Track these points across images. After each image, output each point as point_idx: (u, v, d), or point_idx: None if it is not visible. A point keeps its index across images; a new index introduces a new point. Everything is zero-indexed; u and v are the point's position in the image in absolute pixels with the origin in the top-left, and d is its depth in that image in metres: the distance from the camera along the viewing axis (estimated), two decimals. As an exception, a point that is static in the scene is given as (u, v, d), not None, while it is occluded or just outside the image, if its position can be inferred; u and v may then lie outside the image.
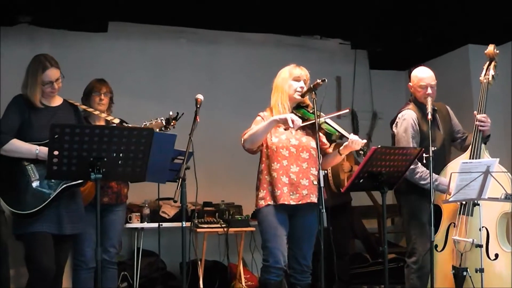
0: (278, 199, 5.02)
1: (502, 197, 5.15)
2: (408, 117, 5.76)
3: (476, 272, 5.12)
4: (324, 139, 5.34)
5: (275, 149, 5.09)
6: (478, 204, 5.18)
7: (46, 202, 4.68)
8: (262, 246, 5.16)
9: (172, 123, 5.16)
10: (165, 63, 8.98)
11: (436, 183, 5.46)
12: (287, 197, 5.02)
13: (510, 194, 5.17)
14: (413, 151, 5.15)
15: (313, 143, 5.18)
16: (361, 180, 5.03)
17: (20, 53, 7.35)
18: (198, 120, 4.81)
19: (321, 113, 5.15)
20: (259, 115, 5.24)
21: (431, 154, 5.21)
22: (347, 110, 5.02)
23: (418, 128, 5.72)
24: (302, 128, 5.12)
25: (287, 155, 5.09)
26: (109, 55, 8.56)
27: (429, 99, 5.54)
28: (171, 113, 5.16)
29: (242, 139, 5.09)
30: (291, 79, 5.17)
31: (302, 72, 5.20)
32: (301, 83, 5.18)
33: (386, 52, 9.87)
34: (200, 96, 4.87)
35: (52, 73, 4.84)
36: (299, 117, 5.11)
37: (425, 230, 5.55)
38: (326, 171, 4.90)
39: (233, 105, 8.80)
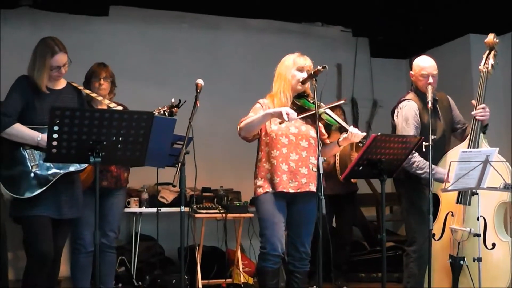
0: (277, 186, 5.01)
1: (501, 186, 5.15)
2: (408, 107, 5.75)
3: (474, 261, 5.13)
4: (322, 129, 5.32)
5: (274, 137, 5.08)
6: (477, 194, 5.17)
7: (45, 187, 4.69)
8: (260, 233, 5.15)
9: (174, 110, 5.17)
10: (166, 48, 8.98)
11: (433, 172, 5.43)
12: (286, 185, 5.01)
13: (509, 183, 5.17)
14: (412, 139, 5.14)
15: (312, 132, 5.17)
16: (360, 168, 5.03)
17: (21, 36, 7.35)
18: (198, 105, 4.79)
19: (321, 103, 5.15)
20: (258, 102, 5.22)
21: (430, 143, 5.20)
22: (343, 101, 5.00)
23: (419, 118, 5.71)
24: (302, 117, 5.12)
25: (287, 143, 5.07)
26: (110, 39, 8.56)
27: (430, 88, 5.53)
28: (173, 100, 5.16)
29: (238, 127, 5.08)
30: (294, 68, 5.14)
31: (306, 62, 5.16)
32: (304, 74, 5.14)
33: (387, 40, 9.87)
34: (200, 81, 4.86)
35: (61, 58, 4.83)
36: (299, 106, 5.13)
37: (424, 219, 5.48)
38: (325, 159, 4.86)
39: (234, 90, 8.80)
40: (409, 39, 9.50)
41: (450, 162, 5.07)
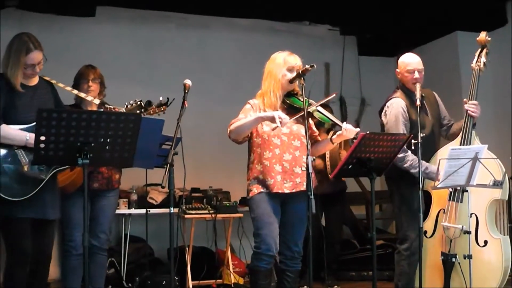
0: (271, 187, 4.99)
1: (491, 183, 5.16)
2: (396, 105, 5.73)
3: (465, 258, 5.13)
4: (313, 127, 5.33)
5: (266, 138, 5.06)
6: (466, 191, 5.18)
7: (38, 188, 4.64)
8: (254, 234, 5.12)
9: (162, 108, 5.14)
10: (154, 48, 8.98)
11: (426, 171, 5.46)
12: (281, 186, 5.00)
13: (498, 180, 5.18)
14: (401, 137, 5.14)
15: (303, 131, 5.13)
16: (349, 166, 5.02)
17: (7, 36, 7.23)
18: (186, 105, 4.77)
19: (311, 100, 5.14)
20: (248, 103, 5.19)
21: (419, 141, 5.20)
22: (334, 95, 4.99)
23: (407, 115, 5.70)
24: (294, 114, 5.06)
25: (279, 144, 5.05)
26: (97, 39, 8.53)
27: (418, 85, 5.53)
28: (161, 98, 5.13)
29: (228, 130, 5.04)
30: (285, 68, 5.11)
31: (296, 61, 5.14)
32: (295, 74, 5.13)
33: (375, 38, 9.90)
34: (188, 81, 4.84)
35: (36, 56, 4.74)
36: (289, 104, 5.12)
37: (415, 217, 5.48)
38: (314, 158, 4.86)
39: (222, 90, 8.80)
40: (397, 37, 9.52)
41: (440, 160, 5.08)
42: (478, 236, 5.36)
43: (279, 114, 4.78)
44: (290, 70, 5.11)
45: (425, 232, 5.55)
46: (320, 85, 9.73)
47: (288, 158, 5.04)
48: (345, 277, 8.11)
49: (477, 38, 5.82)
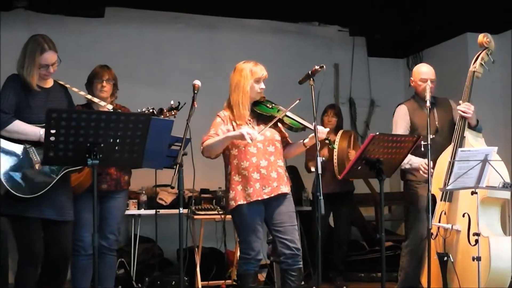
0: (251, 196, 5.08)
1: (500, 185, 5.16)
2: (398, 110, 6.09)
3: (473, 260, 5.11)
4: (283, 129, 5.39)
5: (243, 148, 5.12)
6: (476, 193, 5.17)
7: (49, 186, 4.65)
8: (241, 241, 5.26)
9: (173, 112, 5.17)
10: (162, 48, 8.98)
11: (410, 162, 5.72)
12: (260, 193, 5.09)
13: (508, 182, 5.18)
14: (411, 139, 5.15)
15: (277, 136, 5.27)
16: (359, 167, 5.03)
17: (17, 38, 7.28)
18: (196, 105, 4.78)
19: (280, 106, 5.19)
20: (218, 116, 5.26)
21: (429, 142, 5.23)
22: (298, 101, 5.00)
23: (409, 118, 5.97)
24: (264, 122, 5.21)
25: (255, 152, 5.13)
26: (106, 40, 8.54)
27: (428, 87, 5.68)
28: (172, 102, 5.16)
29: (201, 147, 5.13)
30: (252, 79, 5.18)
31: (263, 72, 5.23)
32: (262, 85, 5.23)
33: (384, 39, 9.86)
34: (197, 82, 4.84)
35: (50, 57, 4.79)
36: (258, 114, 5.22)
37: (419, 217, 5.80)
38: (323, 158, 4.89)
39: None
40: (406, 39, 9.50)
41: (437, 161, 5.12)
42: (470, 235, 5.37)
43: (247, 130, 4.89)
44: (257, 81, 5.19)
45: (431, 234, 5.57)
46: (330, 87, 9.73)
47: (265, 164, 5.12)
48: (354, 278, 8.10)
49: (477, 41, 5.90)
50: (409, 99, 6.17)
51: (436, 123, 5.93)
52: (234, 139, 5.03)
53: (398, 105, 6.12)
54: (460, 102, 5.74)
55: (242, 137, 4.88)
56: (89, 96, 5.35)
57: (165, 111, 5.18)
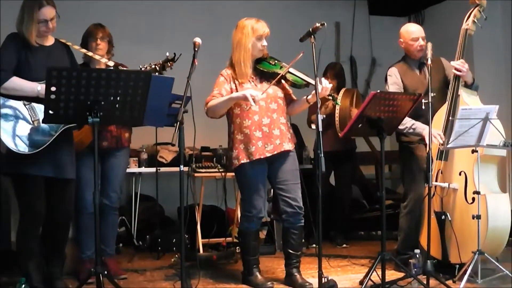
0: (253, 154, 5.13)
1: (501, 144, 5.17)
2: (389, 72, 6.01)
3: (473, 218, 5.13)
4: (287, 87, 5.39)
5: (245, 107, 5.14)
6: (476, 151, 5.18)
7: (48, 143, 4.65)
8: (243, 198, 5.36)
9: (169, 64, 5.14)
10: (163, 7, 8.91)
11: (413, 126, 5.67)
12: (262, 151, 5.13)
13: (509, 141, 5.18)
14: (412, 97, 5.14)
15: (280, 93, 5.29)
16: (359, 125, 5.03)
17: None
18: (196, 63, 4.76)
19: (283, 63, 5.16)
20: (221, 75, 5.29)
21: (430, 100, 5.20)
22: (302, 54, 4.96)
23: (400, 80, 5.90)
24: (267, 79, 5.22)
25: (258, 110, 5.16)
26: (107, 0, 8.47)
27: (429, 45, 5.59)
28: (167, 54, 5.13)
29: (205, 108, 5.17)
30: (254, 37, 5.19)
31: (264, 29, 5.22)
32: (264, 42, 5.23)
33: (386, -2, 9.80)
34: (198, 40, 4.81)
35: (48, 12, 4.75)
36: (261, 71, 5.23)
37: (414, 178, 5.80)
38: (323, 116, 4.90)
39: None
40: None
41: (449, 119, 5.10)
42: (467, 193, 5.41)
43: (250, 92, 4.90)
44: (259, 38, 5.18)
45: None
46: (330, 45, 9.69)
47: (267, 122, 5.16)
48: (354, 237, 8.12)
49: None
50: (399, 60, 6.09)
51: (426, 82, 5.82)
52: (237, 100, 5.03)
53: (389, 68, 6.06)
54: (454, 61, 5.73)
55: (245, 98, 4.91)
56: (90, 53, 5.32)
57: (168, 64, 5.15)
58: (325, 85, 5.02)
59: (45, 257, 5.03)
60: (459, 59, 5.71)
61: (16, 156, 4.56)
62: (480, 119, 5.00)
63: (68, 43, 5.10)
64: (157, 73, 5.10)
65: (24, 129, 4.61)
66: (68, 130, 4.78)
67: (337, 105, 7.11)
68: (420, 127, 5.63)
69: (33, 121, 4.64)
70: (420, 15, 9.80)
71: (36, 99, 4.64)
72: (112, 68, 5.23)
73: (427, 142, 5.24)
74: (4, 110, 4.60)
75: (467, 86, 5.72)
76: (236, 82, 5.19)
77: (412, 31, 5.93)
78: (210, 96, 5.17)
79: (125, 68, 5.23)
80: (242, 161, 5.15)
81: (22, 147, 4.56)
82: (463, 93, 5.65)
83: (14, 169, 4.71)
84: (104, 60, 5.38)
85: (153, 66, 5.12)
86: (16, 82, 4.64)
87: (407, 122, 5.61)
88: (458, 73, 5.64)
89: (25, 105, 4.66)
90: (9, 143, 4.53)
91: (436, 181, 5.57)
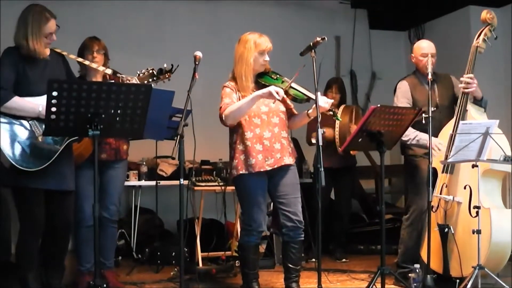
0: (253, 167, 5.10)
1: (501, 159, 5.17)
2: (399, 85, 6.10)
3: (473, 233, 5.12)
4: (288, 101, 5.37)
5: (247, 119, 5.14)
6: (477, 166, 5.18)
7: (53, 158, 4.66)
8: (243, 212, 5.33)
9: (167, 75, 5.14)
10: (164, 19, 8.94)
11: (417, 138, 5.72)
12: (262, 164, 5.11)
13: (509, 156, 5.19)
14: (412, 111, 5.15)
15: (282, 107, 5.27)
16: (359, 140, 5.04)
17: (18, 8, 7.28)
18: (197, 77, 4.77)
19: (285, 77, 5.17)
20: (227, 87, 5.25)
21: (430, 115, 5.22)
22: (303, 67, 4.97)
23: (410, 93, 5.97)
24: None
25: (259, 123, 5.15)
26: (108, 10, 8.49)
27: (430, 61, 5.65)
28: (165, 65, 5.14)
29: (223, 116, 5.11)
30: (256, 51, 5.17)
31: (267, 44, 5.21)
32: (266, 57, 5.21)
33: (386, 12, 9.81)
34: (198, 53, 4.82)
35: (53, 24, 4.79)
36: (263, 85, 5.17)
37: (418, 190, 5.85)
38: (324, 130, 4.89)
39: (233, 62, 8.72)
40: (408, 11, 9.45)
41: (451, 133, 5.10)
42: (471, 207, 5.39)
43: (275, 88, 4.89)
44: (261, 53, 5.18)
45: (432, 207, 5.59)
46: (331, 59, 9.71)
47: (268, 135, 5.14)
48: (354, 251, 8.12)
49: (481, 17, 5.90)
50: (410, 75, 6.18)
51: (437, 99, 5.93)
52: (262, 98, 5.01)
53: (399, 81, 6.13)
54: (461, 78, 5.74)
55: (270, 94, 4.89)
56: (87, 62, 5.31)
57: (166, 76, 5.15)
58: (326, 101, 5.02)
59: (45, 268, 5.03)
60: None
61: (18, 169, 4.56)
62: (480, 134, 5.00)
63: (64, 53, 5.09)
64: (154, 78, 5.11)
65: (28, 144, 4.62)
66: (70, 142, 4.78)
67: (337, 121, 7.11)
68: (423, 138, 5.66)
69: (37, 136, 4.65)
70: (420, 29, 9.81)
71: (38, 118, 4.65)
72: (107, 73, 5.28)
73: (433, 152, 5.29)
74: (7, 126, 4.60)
75: (476, 101, 5.74)
76: (239, 94, 5.19)
77: (422, 47, 6.02)
78: (223, 105, 5.14)
79: (123, 76, 5.23)
80: (241, 172, 5.13)
81: (26, 164, 4.57)
82: (471, 108, 5.69)
83: (16, 182, 4.72)
84: (101, 68, 5.36)
85: (150, 71, 5.12)
86: (18, 103, 4.64)
87: (411, 134, 5.68)
88: (466, 88, 5.65)
89: (29, 121, 4.66)
90: (13, 159, 4.54)
91: (440, 194, 5.58)
